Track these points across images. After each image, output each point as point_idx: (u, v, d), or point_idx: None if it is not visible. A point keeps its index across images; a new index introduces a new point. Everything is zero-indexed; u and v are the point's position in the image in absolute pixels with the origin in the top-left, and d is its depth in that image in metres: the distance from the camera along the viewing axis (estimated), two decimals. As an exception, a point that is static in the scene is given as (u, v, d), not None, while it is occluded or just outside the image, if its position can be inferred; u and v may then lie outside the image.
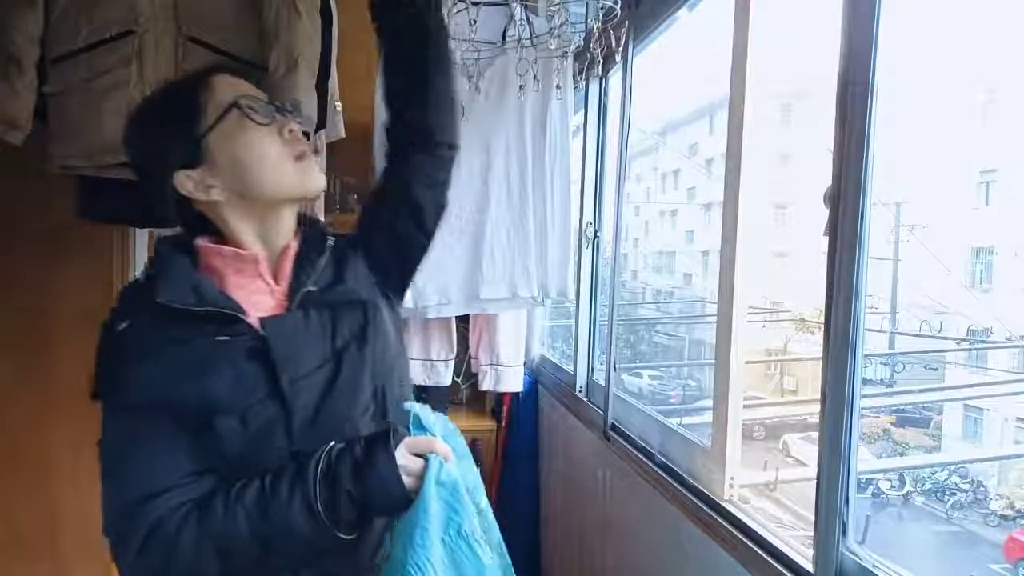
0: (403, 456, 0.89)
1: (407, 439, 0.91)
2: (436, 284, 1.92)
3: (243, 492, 0.88)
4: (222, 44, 1.57)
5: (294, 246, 1.02)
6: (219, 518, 0.87)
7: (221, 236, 1.00)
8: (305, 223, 1.06)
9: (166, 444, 0.90)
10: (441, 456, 0.91)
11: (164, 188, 0.96)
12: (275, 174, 0.97)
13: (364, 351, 0.98)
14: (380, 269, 1.08)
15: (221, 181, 0.95)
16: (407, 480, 0.88)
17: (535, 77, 1.76)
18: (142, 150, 1.00)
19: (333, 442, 0.90)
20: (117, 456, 0.92)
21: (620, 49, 1.71)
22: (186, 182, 0.95)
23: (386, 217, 1.10)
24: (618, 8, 1.61)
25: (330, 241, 1.05)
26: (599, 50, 1.69)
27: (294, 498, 0.87)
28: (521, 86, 1.75)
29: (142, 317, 0.92)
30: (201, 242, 0.99)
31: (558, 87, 1.84)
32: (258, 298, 0.97)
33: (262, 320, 0.94)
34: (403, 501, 0.88)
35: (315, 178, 1.01)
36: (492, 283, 1.94)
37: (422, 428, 0.96)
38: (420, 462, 0.90)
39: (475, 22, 1.58)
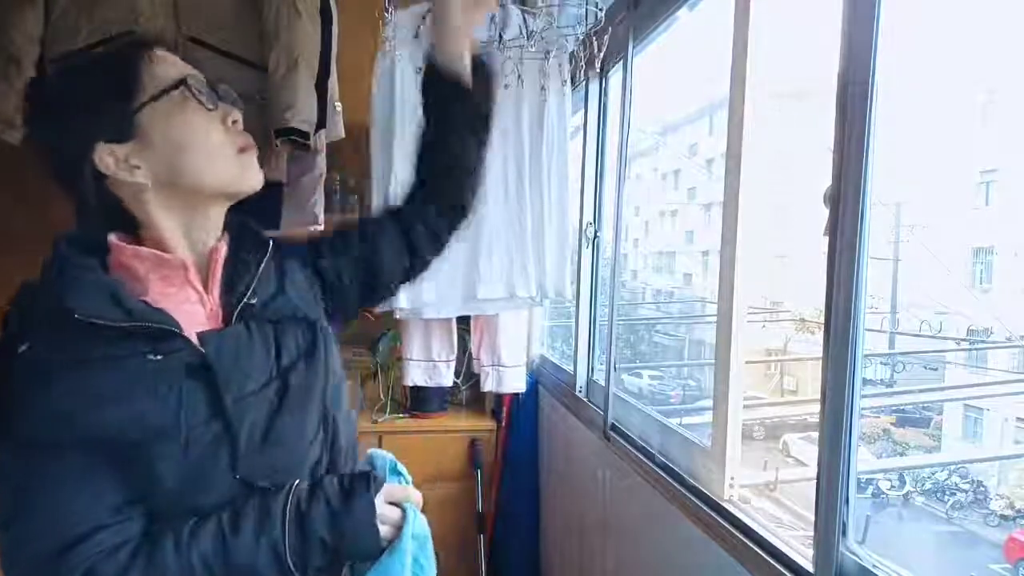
0: (381, 504, 0.86)
1: (385, 486, 0.87)
2: (433, 284, 1.91)
3: (198, 533, 0.79)
4: (222, 44, 1.57)
5: (222, 249, 0.92)
6: (170, 564, 0.77)
7: (135, 234, 0.88)
8: (231, 223, 0.94)
9: (86, 480, 0.78)
10: (416, 506, 0.88)
11: (81, 163, 0.83)
12: (213, 163, 0.87)
13: (312, 370, 0.90)
14: (336, 294, 1.02)
15: (149, 163, 0.84)
16: (383, 529, 0.85)
17: (527, 77, 1.75)
18: (61, 116, 0.86)
19: (297, 480, 0.84)
20: (22, 502, 0.77)
21: (600, 56, 1.71)
22: (107, 158, 0.83)
23: (369, 252, 1.04)
24: (602, 15, 1.61)
25: (270, 245, 0.96)
26: (598, 50, 1.69)
27: (260, 543, 0.79)
28: (507, 85, 1.75)
29: (42, 333, 0.79)
30: (114, 239, 0.87)
31: (549, 88, 1.84)
32: (188, 308, 0.87)
33: (200, 335, 0.85)
34: (375, 551, 0.85)
35: (254, 174, 0.91)
36: (489, 283, 1.94)
37: (398, 474, 0.93)
38: (398, 512, 0.87)
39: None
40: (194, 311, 0.87)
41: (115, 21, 1.53)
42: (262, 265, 0.93)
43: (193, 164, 0.86)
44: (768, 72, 1.44)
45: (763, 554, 1.24)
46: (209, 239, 0.91)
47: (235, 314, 0.89)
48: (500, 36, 1.85)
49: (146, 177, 0.85)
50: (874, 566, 1.04)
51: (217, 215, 0.92)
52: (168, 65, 0.87)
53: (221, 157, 0.88)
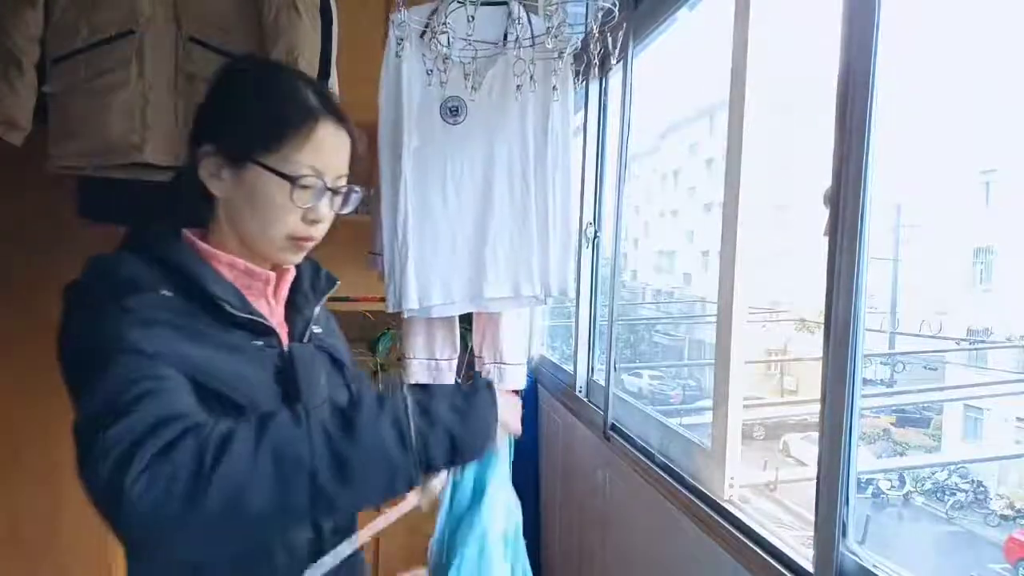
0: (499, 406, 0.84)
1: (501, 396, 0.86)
2: (440, 284, 1.92)
3: (314, 412, 0.76)
4: (222, 44, 1.57)
5: (292, 271, 0.99)
6: (288, 426, 0.72)
7: (203, 230, 0.93)
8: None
9: (188, 392, 0.77)
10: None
11: (195, 145, 0.90)
12: (266, 232, 0.89)
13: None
14: None
15: (230, 190, 0.89)
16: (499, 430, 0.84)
17: (531, 77, 1.75)
18: (220, 104, 0.92)
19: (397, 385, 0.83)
20: (126, 386, 0.73)
21: (616, 51, 1.71)
22: (207, 160, 0.88)
23: None
24: (616, 11, 1.61)
25: (335, 284, 1.04)
26: (598, 51, 1.69)
27: (382, 421, 0.75)
28: (519, 86, 1.75)
29: (179, 295, 0.84)
30: (205, 246, 0.92)
31: (556, 88, 1.84)
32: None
33: (288, 343, 0.93)
34: (488, 448, 0.83)
35: (294, 259, 0.94)
36: (496, 282, 1.94)
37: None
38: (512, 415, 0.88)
39: (472, 19, 1.57)
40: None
41: (115, 21, 1.53)
42: (322, 300, 1.02)
43: (250, 220, 0.90)
44: (768, 72, 1.44)
45: (763, 554, 1.24)
46: (267, 263, 0.95)
47: (304, 335, 0.97)
48: (505, 36, 1.85)
49: (220, 192, 0.90)
50: (874, 566, 1.04)
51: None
52: (316, 145, 0.88)
53: (277, 235, 0.90)
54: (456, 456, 0.79)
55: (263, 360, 0.88)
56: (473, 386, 0.84)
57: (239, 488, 0.68)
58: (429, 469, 0.78)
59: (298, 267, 0.99)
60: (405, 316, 1.98)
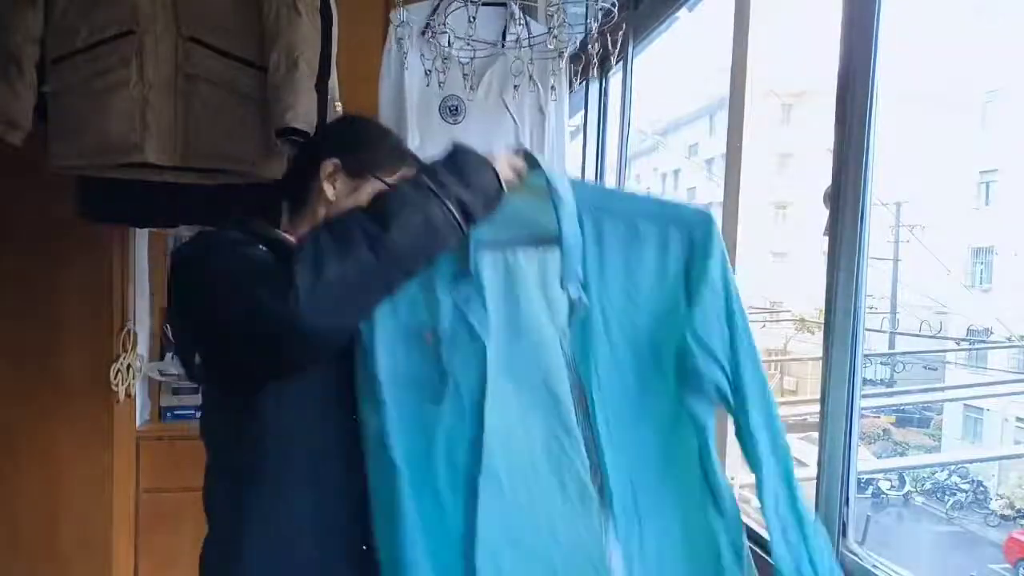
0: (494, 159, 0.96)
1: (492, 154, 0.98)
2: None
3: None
4: (222, 44, 1.57)
5: None
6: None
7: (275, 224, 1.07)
8: None
9: None
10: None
11: (318, 154, 1.05)
12: None
13: None
14: None
15: (339, 192, 1.03)
16: (501, 171, 0.94)
17: (531, 77, 1.76)
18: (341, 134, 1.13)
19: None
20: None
21: (616, 52, 1.72)
22: (329, 165, 1.03)
23: None
24: (615, 11, 1.61)
25: None
26: (597, 51, 1.69)
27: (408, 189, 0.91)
28: (516, 86, 1.75)
29: None
30: (292, 232, 1.05)
31: (554, 88, 1.84)
32: None
33: None
34: (497, 186, 0.93)
35: None
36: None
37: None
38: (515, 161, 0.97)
39: (474, 19, 1.57)
40: None
41: (115, 21, 1.52)
42: None
43: None
44: (768, 72, 1.44)
45: (763, 554, 1.24)
46: None
47: None
48: (503, 35, 1.85)
49: (331, 195, 1.04)
50: (874, 566, 1.04)
51: None
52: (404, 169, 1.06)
53: None
54: (472, 197, 0.92)
55: None
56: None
57: (319, 266, 0.85)
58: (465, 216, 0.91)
59: None
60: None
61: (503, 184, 0.94)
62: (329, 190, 1.04)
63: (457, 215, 0.90)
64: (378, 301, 0.91)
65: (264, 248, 0.95)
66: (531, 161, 0.98)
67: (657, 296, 0.95)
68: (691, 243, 0.94)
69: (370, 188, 1.03)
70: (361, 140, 1.10)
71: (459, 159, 0.95)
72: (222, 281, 0.91)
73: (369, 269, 0.87)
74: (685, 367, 0.92)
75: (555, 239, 0.94)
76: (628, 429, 0.95)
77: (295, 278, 0.84)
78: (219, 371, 0.95)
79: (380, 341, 0.92)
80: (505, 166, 0.96)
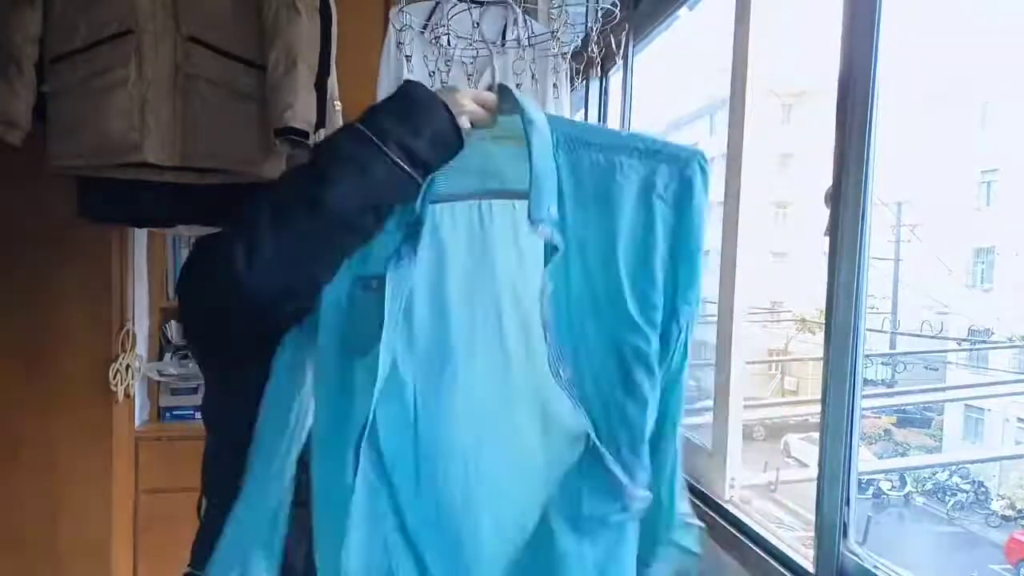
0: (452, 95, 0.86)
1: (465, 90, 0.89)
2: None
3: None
4: (222, 43, 1.57)
5: None
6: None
7: None
8: None
9: None
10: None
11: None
12: None
13: None
14: None
15: None
16: (460, 112, 0.84)
17: (533, 77, 1.75)
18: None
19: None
20: None
21: (620, 51, 1.71)
22: None
23: None
24: (617, 11, 1.61)
25: None
26: (598, 51, 1.68)
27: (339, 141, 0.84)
28: (518, 85, 1.75)
29: None
30: None
31: (556, 86, 1.84)
32: None
33: None
34: (451, 126, 0.83)
35: None
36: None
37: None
38: (484, 97, 0.88)
39: (478, 24, 1.57)
40: None
41: (114, 20, 1.53)
42: None
43: None
44: (768, 72, 1.44)
45: (763, 554, 1.23)
46: None
47: None
48: (503, 35, 1.85)
49: None
50: (875, 567, 1.03)
51: None
52: None
53: None
54: (422, 143, 0.82)
55: None
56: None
57: (252, 240, 0.80)
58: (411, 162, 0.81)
59: None
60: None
61: (458, 123, 0.84)
62: None
63: (404, 164, 0.81)
64: (333, 262, 0.83)
65: None
66: (507, 97, 0.88)
67: (639, 238, 0.87)
68: (680, 182, 0.87)
69: None
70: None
71: (405, 99, 0.84)
72: (189, 258, 0.92)
73: (309, 235, 0.81)
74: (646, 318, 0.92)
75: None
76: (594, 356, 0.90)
77: (232, 253, 0.79)
78: (195, 346, 0.96)
79: (330, 289, 0.85)
80: (469, 101, 0.86)
